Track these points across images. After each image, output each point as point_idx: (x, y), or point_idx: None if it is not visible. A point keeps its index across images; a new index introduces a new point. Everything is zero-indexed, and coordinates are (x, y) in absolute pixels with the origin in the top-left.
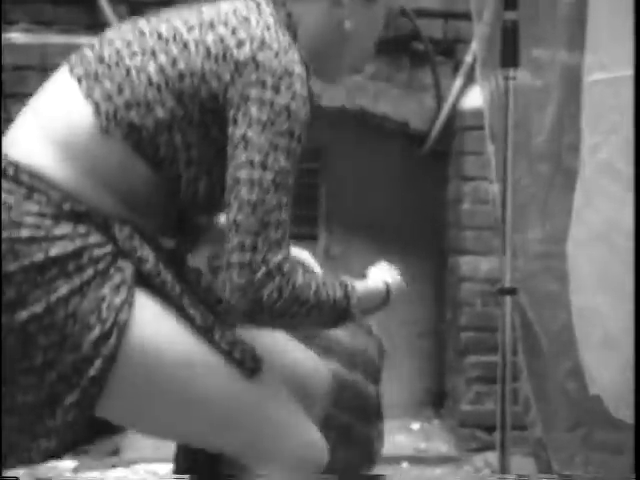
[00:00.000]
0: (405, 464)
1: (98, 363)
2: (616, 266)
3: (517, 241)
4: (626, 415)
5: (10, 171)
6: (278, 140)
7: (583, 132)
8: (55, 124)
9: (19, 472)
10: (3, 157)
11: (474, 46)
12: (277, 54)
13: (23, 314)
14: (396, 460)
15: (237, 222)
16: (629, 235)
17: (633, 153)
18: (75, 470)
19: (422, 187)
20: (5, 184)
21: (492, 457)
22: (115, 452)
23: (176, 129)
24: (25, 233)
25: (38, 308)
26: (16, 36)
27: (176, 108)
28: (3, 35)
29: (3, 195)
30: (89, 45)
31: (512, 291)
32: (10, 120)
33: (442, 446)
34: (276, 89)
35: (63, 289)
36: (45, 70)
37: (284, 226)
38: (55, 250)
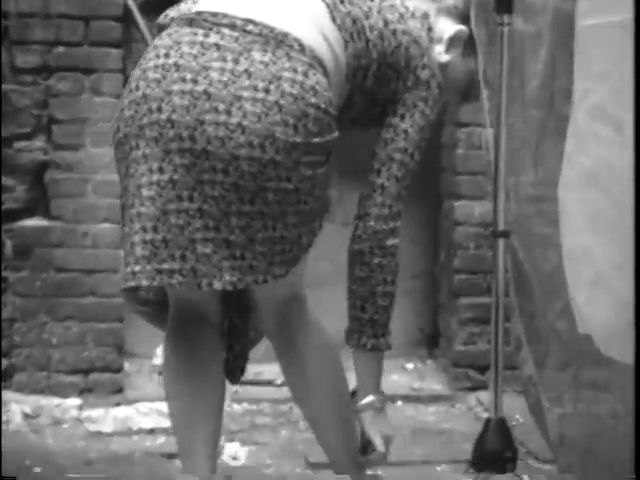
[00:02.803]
0: (400, 403)
1: None
2: (606, 206)
3: (509, 185)
4: (616, 353)
5: (296, 45)
6: (422, 142)
7: (575, 77)
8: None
9: None
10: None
11: None
12: (439, 84)
13: None
14: (391, 399)
15: (384, 186)
16: (619, 176)
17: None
18: (80, 408)
19: None
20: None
21: (484, 396)
22: (118, 391)
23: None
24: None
25: None
26: None
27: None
28: None
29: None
30: None
31: (505, 234)
32: (15, 67)
33: (436, 385)
34: (432, 108)
35: None
36: (49, 18)
37: (404, 201)
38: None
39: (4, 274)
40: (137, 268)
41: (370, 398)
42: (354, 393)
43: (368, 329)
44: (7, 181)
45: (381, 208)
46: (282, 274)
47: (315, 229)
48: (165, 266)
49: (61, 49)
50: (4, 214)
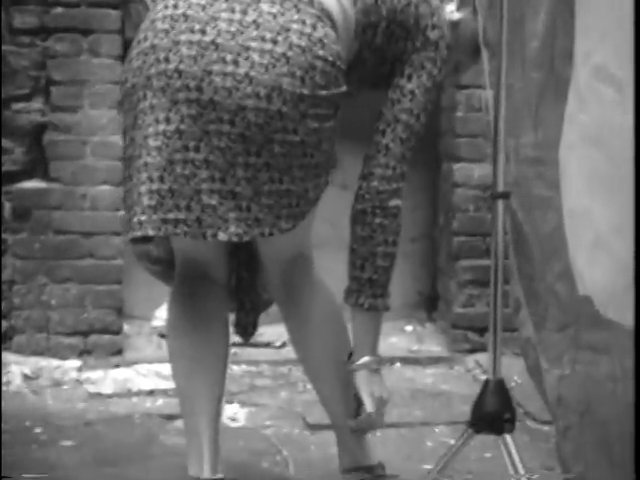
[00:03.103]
0: (398, 365)
1: None
2: (607, 167)
3: (509, 146)
4: (615, 315)
5: None
6: (428, 104)
7: (576, 37)
8: None
9: None
10: None
11: None
12: (448, 45)
13: None
14: (390, 361)
15: (388, 147)
16: (621, 137)
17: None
18: (79, 369)
19: None
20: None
21: (483, 358)
22: (118, 352)
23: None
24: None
25: None
26: None
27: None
28: None
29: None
30: None
31: (505, 195)
32: (13, 29)
33: (435, 347)
34: (440, 69)
35: None
36: None
37: (408, 163)
38: None
39: (3, 236)
40: (143, 218)
41: (365, 359)
42: (350, 354)
43: (367, 289)
44: (5, 143)
45: (385, 169)
46: (288, 228)
47: (321, 184)
48: (171, 216)
49: (59, 10)
50: (3, 176)
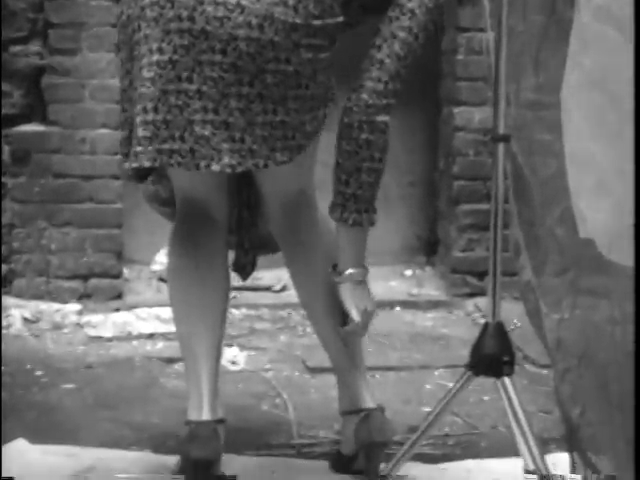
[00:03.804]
0: (398, 308)
1: None
2: (610, 112)
3: (510, 90)
4: (617, 257)
5: None
6: (429, 24)
7: None
8: None
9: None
10: None
11: None
12: None
13: None
14: (389, 305)
15: (383, 62)
16: (624, 81)
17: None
18: (79, 313)
19: None
20: None
21: (482, 302)
22: (118, 296)
23: None
24: None
25: None
26: None
27: None
28: None
29: None
30: None
31: (505, 138)
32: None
33: (434, 291)
34: None
35: None
36: None
37: (402, 81)
38: None
39: (3, 180)
40: (139, 149)
41: (350, 271)
42: (335, 265)
43: (351, 204)
44: (4, 86)
45: (376, 83)
46: (284, 160)
47: (319, 117)
48: (165, 146)
49: None
50: (2, 119)
